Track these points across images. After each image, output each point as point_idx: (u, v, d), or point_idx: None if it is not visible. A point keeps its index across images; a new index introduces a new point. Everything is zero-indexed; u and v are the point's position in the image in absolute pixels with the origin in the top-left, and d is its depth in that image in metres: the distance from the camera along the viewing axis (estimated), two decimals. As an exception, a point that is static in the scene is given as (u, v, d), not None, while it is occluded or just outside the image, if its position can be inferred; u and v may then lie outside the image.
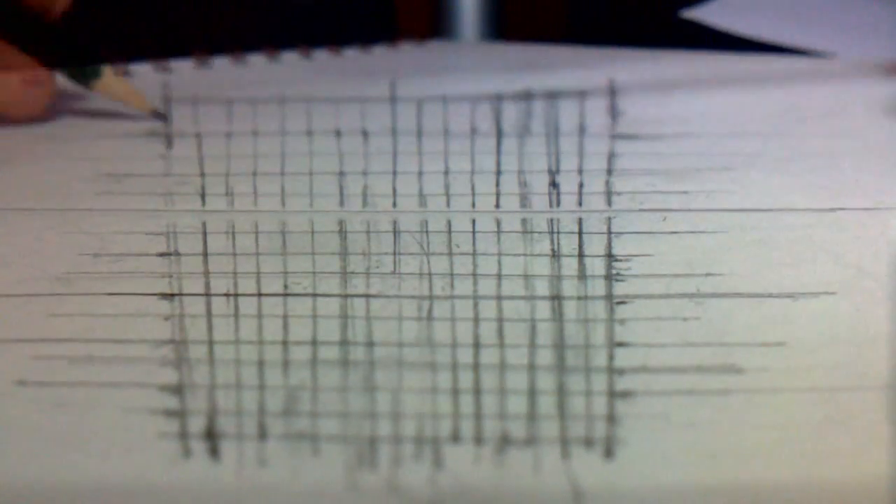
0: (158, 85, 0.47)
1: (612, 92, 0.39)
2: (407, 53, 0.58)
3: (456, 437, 0.15)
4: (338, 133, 0.34)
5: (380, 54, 0.57)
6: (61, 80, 0.49)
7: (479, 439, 0.15)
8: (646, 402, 0.16)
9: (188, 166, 0.30)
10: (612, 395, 0.17)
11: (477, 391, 0.17)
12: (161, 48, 0.52)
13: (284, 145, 0.31)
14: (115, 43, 0.53)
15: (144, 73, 0.51)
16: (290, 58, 0.56)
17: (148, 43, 0.52)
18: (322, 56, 0.56)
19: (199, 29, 0.55)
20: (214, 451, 0.15)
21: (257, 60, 0.55)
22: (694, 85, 0.44)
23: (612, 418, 0.16)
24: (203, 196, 0.28)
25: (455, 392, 0.17)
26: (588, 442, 0.15)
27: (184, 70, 0.53)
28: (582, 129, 0.34)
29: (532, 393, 0.17)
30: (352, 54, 0.56)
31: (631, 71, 0.49)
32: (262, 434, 0.15)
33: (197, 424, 0.16)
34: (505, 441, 0.15)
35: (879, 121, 0.36)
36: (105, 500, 0.14)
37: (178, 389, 0.17)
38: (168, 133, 0.35)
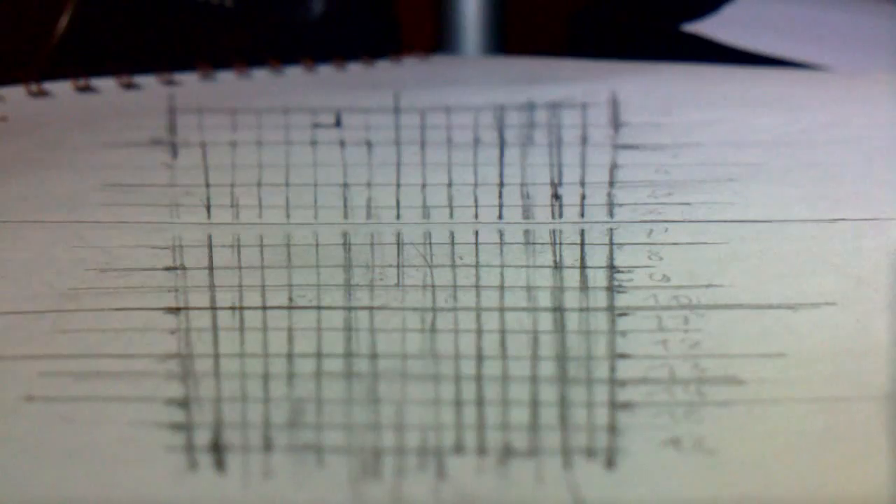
0: (164, 97, 0.48)
1: (615, 103, 0.40)
2: (410, 67, 0.58)
3: (459, 448, 0.15)
4: (342, 143, 0.34)
5: (384, 68, 0.57)
6: (62, 89, 0.49)
7: (482, 450, 0.15)
8: (647, 413, 0.17)
9: (193, 176, 0.30)
10: (614, 406, 0.17)
11: (480, 402, 0.17)
12: (166, 61, 0.53)
13: (289, 155, 0.31)
14: (121, 56, 0.53)
15: (150, 86, 0.51)
16: (294, 72, 0.56)
17: (153, 56, 0.53)
18: (326, 70, 0.56)
19: (204, 43, 0.56)
20: (220, 464, 0.15)
21: (261, 74, 0.55)
22: (696, 97, 0.44)
23: (613, 429, 0.16)
24: (208, 208, 0.28)
25: (458, 403, 0.17)
26: (590, 452, 0.15)
27: (189, 83, 0.53)
28: (584, 140, 0.34)
29: (534, 404, 0.17)
30: (355, 69, 0.56)
31: (633, 83, 0.49)
32: (268, 446, 0.16)
33: (203, 437, 0.16)
34: (507, 452, 0.15)
35: (880, 132, 0.37)
36: (113, 512, 0.14)
37: (183, 403, 0.17)
38: (173, 143, 0.35)
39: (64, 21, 0.53)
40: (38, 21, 0.53)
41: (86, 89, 0.50)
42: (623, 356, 0.19)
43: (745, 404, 0.17)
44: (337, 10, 0.58)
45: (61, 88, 0.50)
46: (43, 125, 0.42)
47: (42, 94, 0.49)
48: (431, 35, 0.69)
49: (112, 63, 0.52)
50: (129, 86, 0.51)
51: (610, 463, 0.15)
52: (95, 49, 0.53)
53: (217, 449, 0.15)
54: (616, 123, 0.38)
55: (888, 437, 0.16)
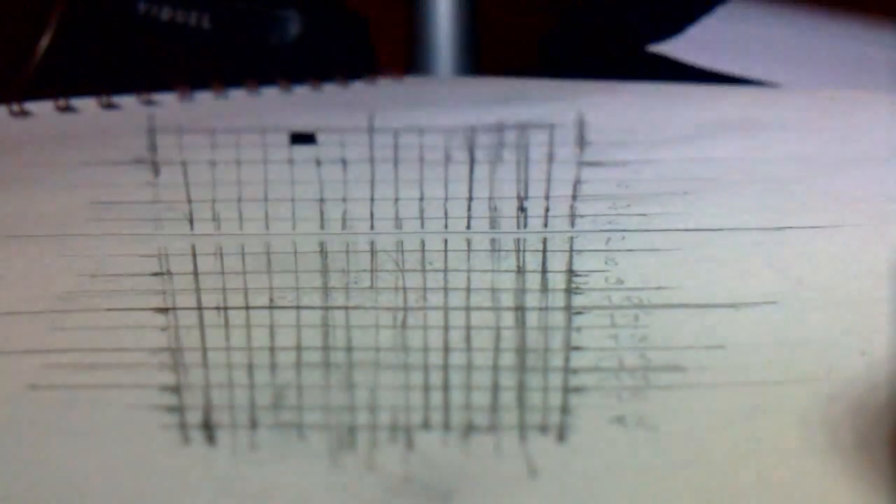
0: (144, 116, 0.49)
1: (581, 123, 0.41)
2: (385, 88, 0.59)
3: (426, 425, 0.17)
4: (318, 162, 0.35)
5: (358, 89, 0.58)
6: (43, 108, 0.50)
7: (446, 426, 0.17)
8: (596, 396, 0.18)
9: (175, 193, 0.32)
10: (567, 390, 0.18)
11: (446, 387, 0.18)
12: (145, 82, 0.54)
13: (267, 173, 0.32)
14: (101, 76, 0.54)
15: (130, 106, 0.53)
16: (271, 92, 0.58)
17: (132, 77, 0.54)
18: (302, 91, 0.57)
19: (182, 64, 0.57)
20: (211, 439, 0.17)
21: (238, 94, 0.57)
22: (660, 115, 0.46)
23: (565, 409, 0.18)
24: (191, 221, 0.29)
25: (426, 388, 0.18)
26: (543, 428, 0.17)
27: (168, 103, 0.54)
28: (551, 158, 0.36)
29: (495, 388, 0.18)
30: (331, 89, 0.58)
31: (600, 102, 0.50)
32: (253, 424, 0.17)
33: (194, 417, 0.17)
34: (470, 428, 0.17)
35: (829, 148, 0.38)
36: (115, 482, 0.15)
37: (176, 389, 0.19)
38: (154, 161, 0.36)
39: (45, 42, 0.54)
40: (19, 42, 0.54)
41: (66, 109, 0.52)
42: (577, 348, 0.20)
43: (685, 388, 0.18)
44: (312, 32, 0.59)
45: (42, 108, 0.51)
46: (25, 144, 0.43)
47: (24, 113, 0.50)
48: (405, 56, 0.71)
49: (92, 84, 0.53)
50: (109, 105, 0.52)
51: (561, 437, 0.17)
52: (76, 69, 0.54)
53: (208, 426, 0.17)
54: (582, 142, 0.40)
55: (808, 413, 0.17)
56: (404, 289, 0.24)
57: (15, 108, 0.50)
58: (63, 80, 0.53)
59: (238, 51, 0.59)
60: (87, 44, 0.55)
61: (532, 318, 0.22)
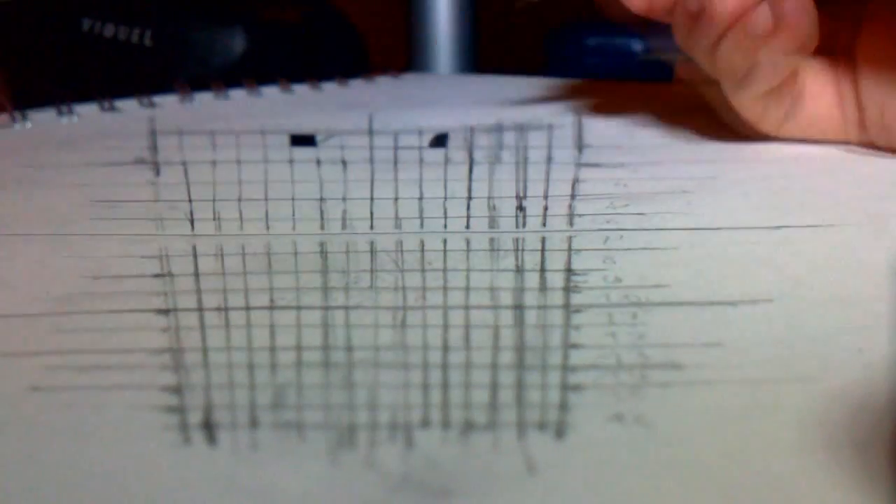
0: (144, 119, 0.49)
1: (579, 125, 0.41)
2: (383, 86, 0.60)
3: (426, 423, 0.17)
4: (318, 162, 0.36)
5: (357, 87, 0.59)
6: (37, 113, 0.50)
7: (446, 424, 0.17)
8: (595, 394, 0.18)
9: (176, 193, 0.32)
10: (565, 387, 0.19)
11: (445, 386, 0.19)
12: (147, 85, 0.54)
13: (267, 173, 0.32)
14: (103, 80, 0.55)
15: (130, 109, 0.53)
16: (271, 91, 0.58)
17: (134, 80, 0.54)
18: (301, 90, 0.58)
19: (183, 66, 0.57)
20: (212, 439, 0.17)
21: (238, 95, 0.57)
22: (660, 116, 0.46)
23: (563, 406, 0.18)
24: (192, 221, 0.30)
25: (425, 387, 0.19)
26: (542, 426, 0.17)
27: (168, 105, 0.54)
28: (549, 159, 0.36)
29: (494, 387, 0.19)
30: (330, 88, 0.58)
31: (600, 103, 0.51)
32: (254, 424, 0.17)
33: (195, 418, 0.18)
34: (469, 426, 0.17)
35: (825, 149, 0.39)
36: (116, 482, 0.16)
37: (176, 389, 0.19)
38: (155, 162, 0.37)
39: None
40: None
41: (67, 112, 0.52)
42: (575, 346, 0.20)
43: (682, 385, 0.19)
44: (313, 33, 0.59)
45: (43, 111, 0.51)
46: (27, 146, 0.44)
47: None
48: (403, 53, 0.71)
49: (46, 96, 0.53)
50: (111, 108, 0.52)
51: (559, 434, 0.17)
52: (19, 82, 0.54)
53: (208, 426, 0.17)
54: (580, 145, 0.40)
55: (805, 413, 0.18)
56: (404, 288, 0.24)
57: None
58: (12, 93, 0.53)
59: (181, 69, 0.58)
60: (33, 58, 0.55)
61: (531, 317, 0.22)
